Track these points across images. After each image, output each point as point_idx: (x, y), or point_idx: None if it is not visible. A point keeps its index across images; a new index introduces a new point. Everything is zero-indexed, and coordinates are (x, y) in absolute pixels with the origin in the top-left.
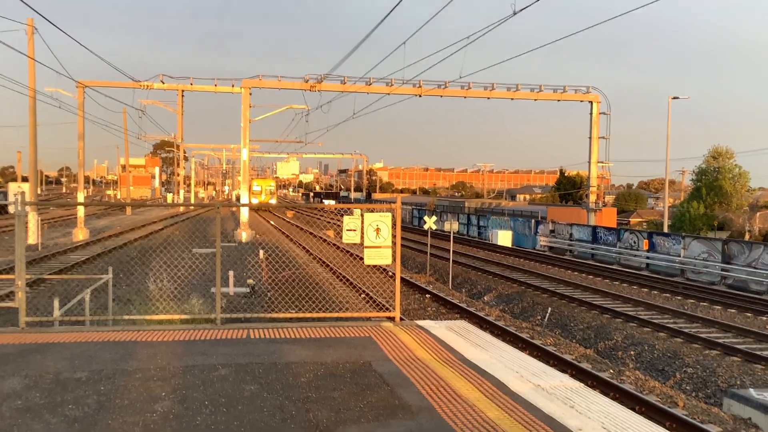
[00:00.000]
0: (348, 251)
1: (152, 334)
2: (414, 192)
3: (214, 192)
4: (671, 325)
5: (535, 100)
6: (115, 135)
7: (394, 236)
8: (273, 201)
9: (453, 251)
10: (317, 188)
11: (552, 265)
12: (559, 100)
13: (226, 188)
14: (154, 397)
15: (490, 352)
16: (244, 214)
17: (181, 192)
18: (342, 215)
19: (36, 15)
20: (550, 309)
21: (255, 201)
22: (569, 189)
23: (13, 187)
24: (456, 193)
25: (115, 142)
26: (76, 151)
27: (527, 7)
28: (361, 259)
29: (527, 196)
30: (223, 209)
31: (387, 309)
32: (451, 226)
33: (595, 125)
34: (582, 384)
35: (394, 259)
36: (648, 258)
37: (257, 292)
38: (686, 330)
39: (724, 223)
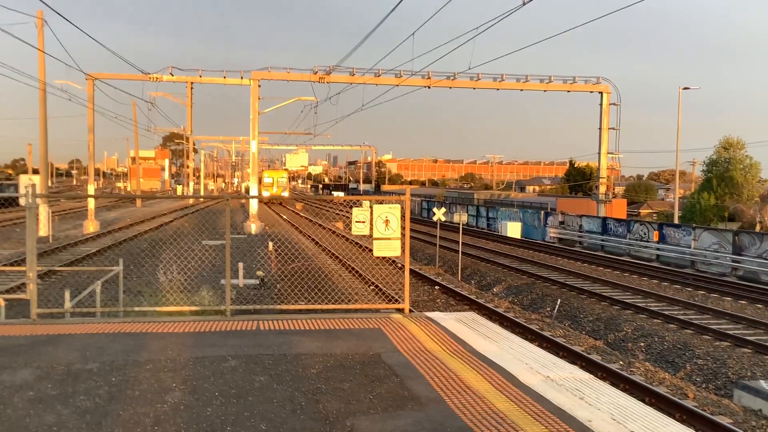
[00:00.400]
0: (357, 243)
1: (162, 325)
2: (423, 184)
3: (223, 184)
4: (681, 317)
5: (545, 90)
6: (125, 127)
7: (403, 228)
8: (285, 194)
9: (462, 243)
10: (326, 180)
11: (561, 257)
12: (568, 91)
13: (236, 180)
14: (164, 388)
15: (499, 344)
16: (254, 206)
17: (191, 184)
18: (351, 207)
19: (46, 7)
20: (559, 300)
21: (266, 194)
22: (579, 180)
23: (24, 180)
24: (465, 185)
25: (125, 135)
26: (86, 144)
27: None
28: (371, 250)
29: (537, 188)
30: (233, 201)
31: (396, 300)
32: (461, 217)
33: (605, 116)
34: (591, 375)
35: (403, 251)
36: (658, 249)
37: (267, 283)
38: (696, 321)
39: (735, 214)
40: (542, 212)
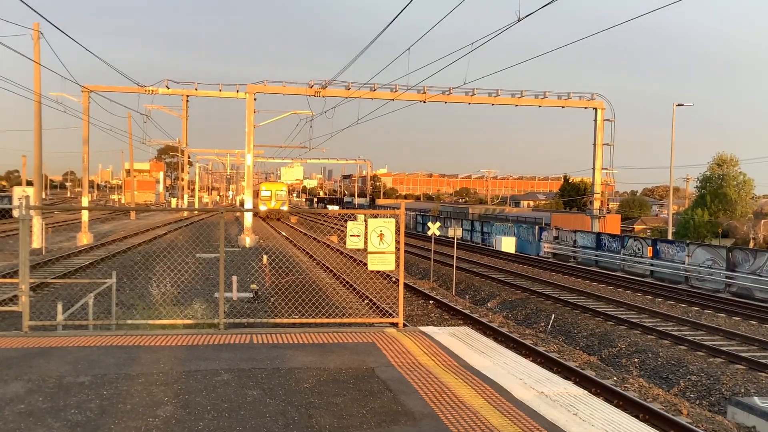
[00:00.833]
0: (351, 257)
1: (155, 338)
2: (418, 198)
3: (218, 197)
4: (675, 333)
5: (540, 106)
6: (120, 140)
7: (397, 242)
8: (285, 208)
9: (456, 257)
10: (321, 194)
11: (556, 272)
12: (563, 107)
13: (231, 193)
14: (156, 401)
15: (493, 359)
16: (248, 219)
17: (185, 197)
18: (346, 221)
19: (42, 20)
20: (553, 316)
21: (263, 208)
22: (573, 195)
23: (17, 191)
24: (460, 199)
25: (120, 147)
26: (80, 156)
27: (532, 13)
28: (365, 264)
29: (531, 203)
30: (227, 214)
31: (390, 315)
32: (455, 232)
33: (599, 132)
34: (586, 391)
35: (397, 265)
36: (652, 265)
37: (261, 297)
38: (690, 337)
39: (729, 231)
40: (537, 227)
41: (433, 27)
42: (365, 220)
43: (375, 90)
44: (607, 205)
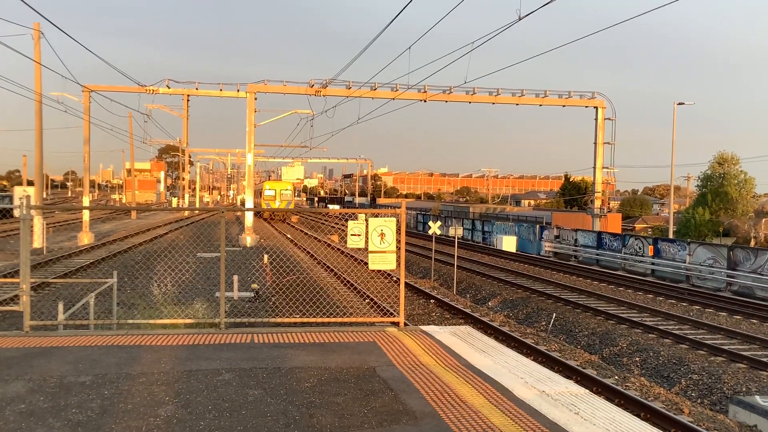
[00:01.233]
0: (352, 256)
1: (156, 338)
2: (419, 197)
3: (219, 196)
4: (676, 332)
5: (540, 105)
6: (121, 139)
7: (398, 241)
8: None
9: (457, 256)
10: (322, 193)
11: (557, 271)
12: (564, 106)
13: (231, 192)
14: (157, 401)
15: (494, 358)
16: (249, 218)
17: (186, 196)
18: (347, 220)
19: (42, 19)
20: (554, 315)
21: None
22: (574, 194)
23: (18, 191)
24: (461, 199)
25: (121, 147)
26: (81, 156)
27: (532, 12)
28: (366, 263)
29: (532, 202)
30: (228, 213)
31: (391, 314)
32: (456, 231)
33: (600, 131)
34: (587, 390)
35: (398, 264)
36: (653, 264)
37: (261, 296)
38: (691, 336)
39: (730, 230)
40: (537, 226)
41: (434, 26)
42: (366, 220)
43: (376, 89)
44: (608, 204)
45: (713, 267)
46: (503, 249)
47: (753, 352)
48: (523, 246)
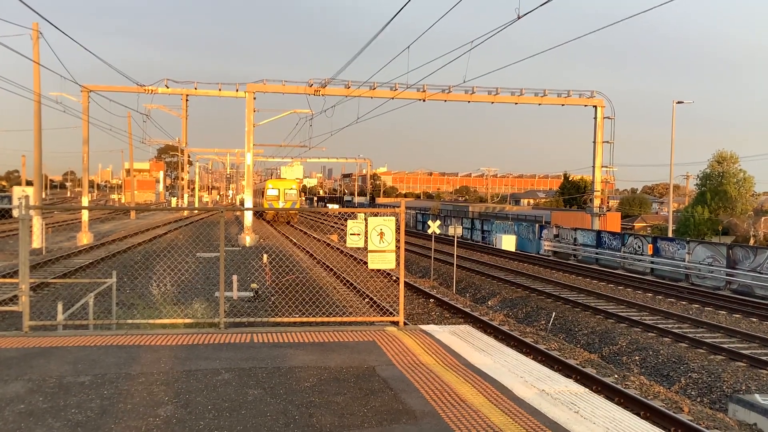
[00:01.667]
0: (352, 255)
1: (156, 338)
2: (418, 196)
3: (218, 196)
4: (676, 330)
5: (540, 104)
6: (120, 139)
7: (398, 240)
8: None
9: (457, 256)
10: (321, 192)
11: (556, 270)
12: (563, 105)
13: (230, 192)
14: (157, 401)
15: (494, 357)
16: (248, 218)
17: (185, 196)
18: (346, 219)
19: (41, 19)
20: (554, 313)
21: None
22: (573, 193)
23: (17, 191)
24: (460, 198)
25: (120, 147)
26: (80, 156)
27: (531, 11)
28: (365, 263)
29: (531, 201)
30: (227, 213)
31: (391, 313)
32: (455, 230)
33: (599, 130)
34: (586, 389)
35: (397, 264)
36: (652, 263)
37: (261, 296)
38: (691, 335)
39: (729, 228)
40: (537, 225)
41: (433, 25)
42: (365, 219)
43: (375, 89)
44: (608, 202)
45: (712, 266)
46: (502, 248)
47: (752, 351)
48: (522, 245)
